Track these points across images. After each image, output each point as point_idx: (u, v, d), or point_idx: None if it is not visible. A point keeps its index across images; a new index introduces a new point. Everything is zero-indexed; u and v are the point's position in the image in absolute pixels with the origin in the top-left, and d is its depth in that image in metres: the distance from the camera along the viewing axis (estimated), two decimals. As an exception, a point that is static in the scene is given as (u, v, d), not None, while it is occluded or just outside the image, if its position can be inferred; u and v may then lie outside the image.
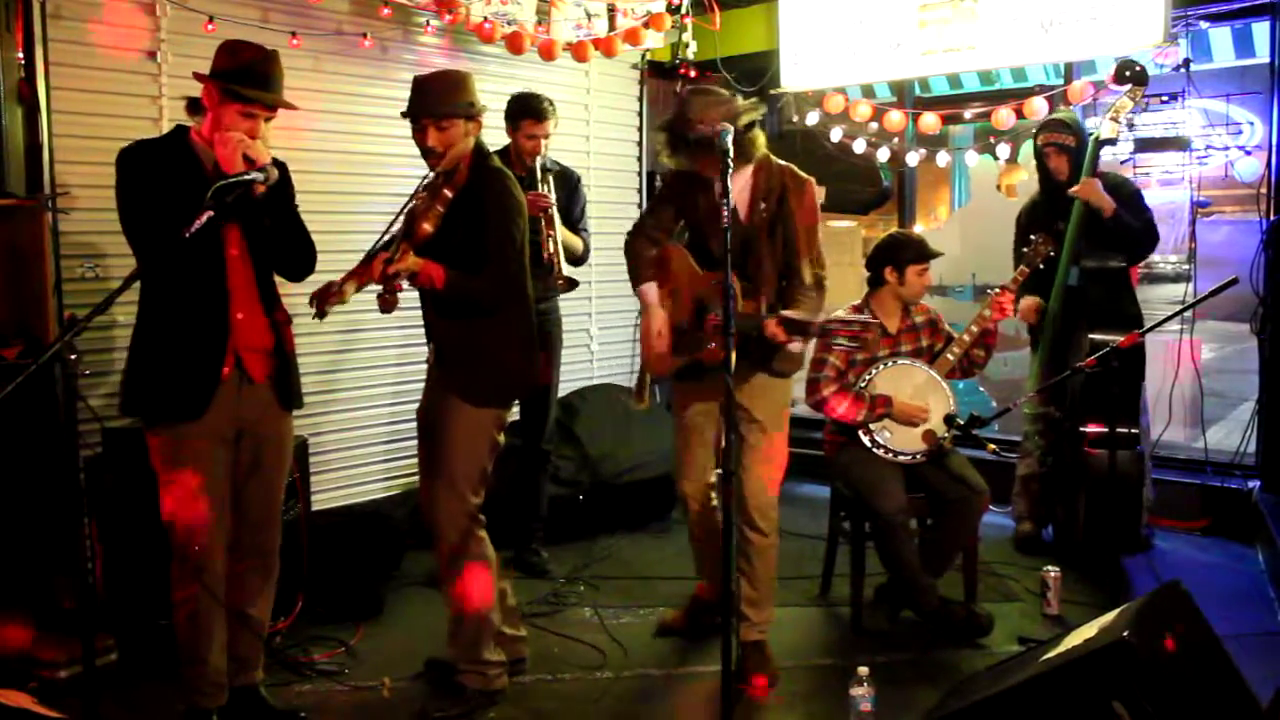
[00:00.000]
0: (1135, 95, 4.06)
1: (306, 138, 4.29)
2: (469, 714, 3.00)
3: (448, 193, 2.90)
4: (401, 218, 2.98)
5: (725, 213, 2.50)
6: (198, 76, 2.67)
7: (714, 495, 3.48)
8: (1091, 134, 4.17)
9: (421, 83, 2.94)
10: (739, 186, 3.15)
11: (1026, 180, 5.52)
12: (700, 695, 3.17)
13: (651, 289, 3.32)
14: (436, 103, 2.89)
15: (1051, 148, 4.23)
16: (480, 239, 2.90)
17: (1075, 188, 4.06)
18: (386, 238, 3.01)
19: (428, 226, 2.87)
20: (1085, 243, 4.09)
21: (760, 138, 3.13)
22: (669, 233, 3.36)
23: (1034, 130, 4.42)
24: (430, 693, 3.14)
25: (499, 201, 2.95)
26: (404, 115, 2.95)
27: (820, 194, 5.49)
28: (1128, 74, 4.07)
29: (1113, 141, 4.15)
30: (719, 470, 3.40)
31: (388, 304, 2.81)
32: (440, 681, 3.16)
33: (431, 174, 2.99)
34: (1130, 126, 4.53)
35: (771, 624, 3.34)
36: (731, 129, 2.66)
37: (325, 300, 2.89)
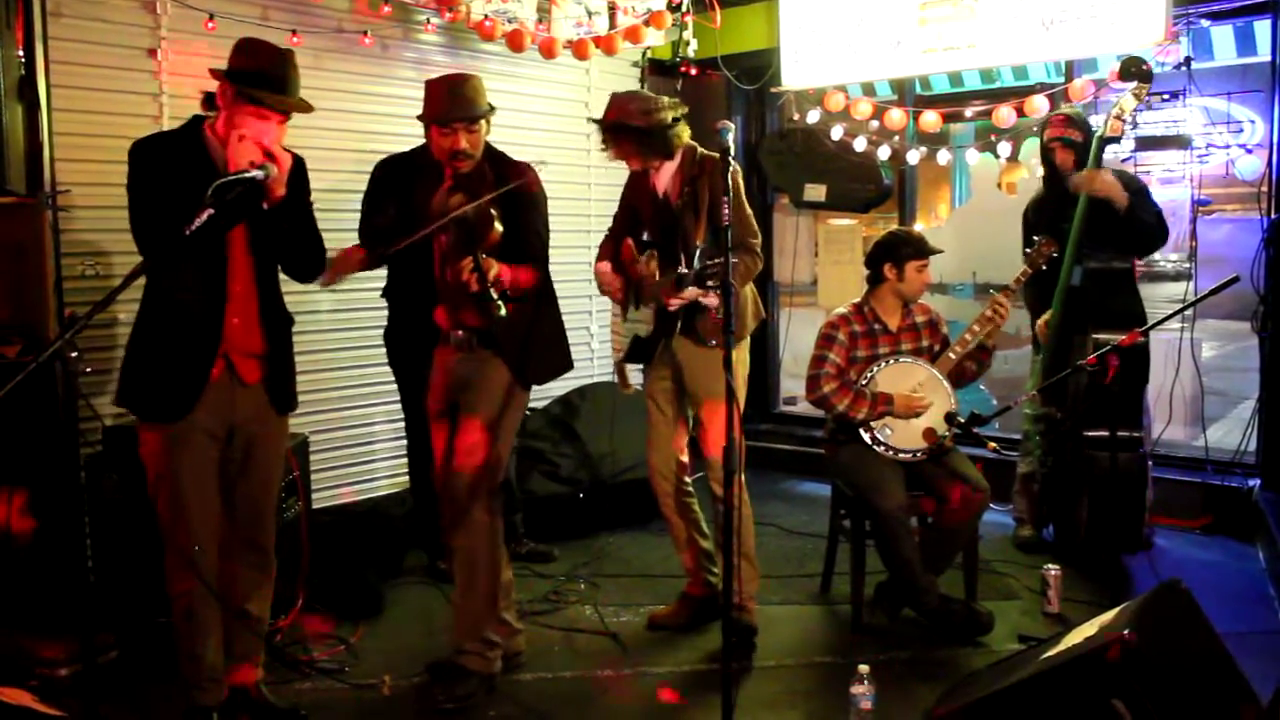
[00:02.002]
0: (1140, 93, 4.00)
1: (306, 135, 4.28)
2: (470, 696, 3.03)
3: (486, 194, 2.91)
4: (448, 224, 2.94)
5: (726, 208, 2.50)
6: (214, 74, 2.64)
7: (687, 479, 3.67)
8: (1095, 132, 4.15)
9: (448, 87, 2.97)
10: (668, 176, 3.41)
11: (1027, 179, 5.52)
12: (700, 693, 3.17)
13: (604, 265, 3.56)
14: (472, 106, 2.96)
15: (1058, 143, 4.16)
16: (521, 231, 3.00)
17: (1077, 179, 3.98)
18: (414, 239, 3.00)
19: (498, 230, 2.88)
20: (1089, 242, 4.07)
21: (684, 133, 3.37)
22: (626, 226, 3.57)
23: (1037, 127, 4.38)
24: (431, 690, 3.13)
25: (534, 191, 3.07)
26: (435, 121, 2.97)
27: (820, 191, 5.56)
28: (1132, 71, 4.02)
29: (1116, 139, 4.08)
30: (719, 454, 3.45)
31: (495, 309, 2.76)
32: (440, 681, 3.15)
33: (449, 176, 3.02)
34: (1134, 125, 4.49)
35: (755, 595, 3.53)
36: (732, 126, 2.70)
37: (333, 271, 3.01)
